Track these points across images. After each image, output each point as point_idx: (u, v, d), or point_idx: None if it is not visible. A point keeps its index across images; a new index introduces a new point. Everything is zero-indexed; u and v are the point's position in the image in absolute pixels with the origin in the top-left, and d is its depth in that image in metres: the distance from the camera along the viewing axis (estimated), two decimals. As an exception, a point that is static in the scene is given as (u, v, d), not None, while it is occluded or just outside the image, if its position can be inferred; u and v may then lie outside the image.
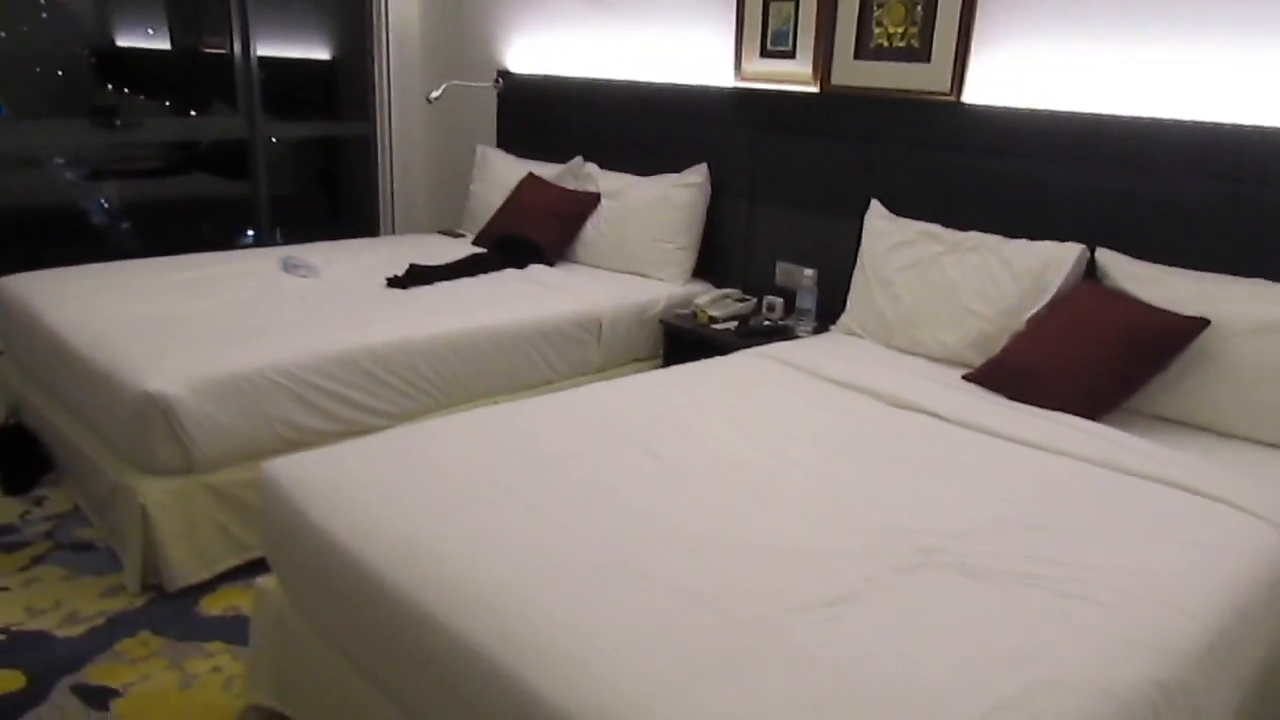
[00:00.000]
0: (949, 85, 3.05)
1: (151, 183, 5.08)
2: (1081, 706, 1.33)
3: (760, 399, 2.46)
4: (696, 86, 3.82)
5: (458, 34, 4.93)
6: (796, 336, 3.26)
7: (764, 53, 3.58)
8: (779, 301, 3.48)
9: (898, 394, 2.49)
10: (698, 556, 1.66)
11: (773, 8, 3.51)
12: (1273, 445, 2.31)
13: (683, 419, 2.30)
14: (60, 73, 4.68)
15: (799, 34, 3.45)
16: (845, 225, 3.33)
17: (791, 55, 3.48)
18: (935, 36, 3.06)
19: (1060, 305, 2.61)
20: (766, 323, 3.41)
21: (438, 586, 1.57)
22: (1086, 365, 2.44)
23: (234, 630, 2.42)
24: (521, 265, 3.80)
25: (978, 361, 2.71)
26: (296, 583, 1.96)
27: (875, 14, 3.21)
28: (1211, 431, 2.39)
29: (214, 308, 3.09)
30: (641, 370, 3.25)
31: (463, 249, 4.04)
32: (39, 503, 3.02)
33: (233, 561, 2.67)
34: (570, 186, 4.14)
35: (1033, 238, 2.80)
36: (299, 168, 5.58)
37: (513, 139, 4.67)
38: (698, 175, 3.76)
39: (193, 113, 5.05)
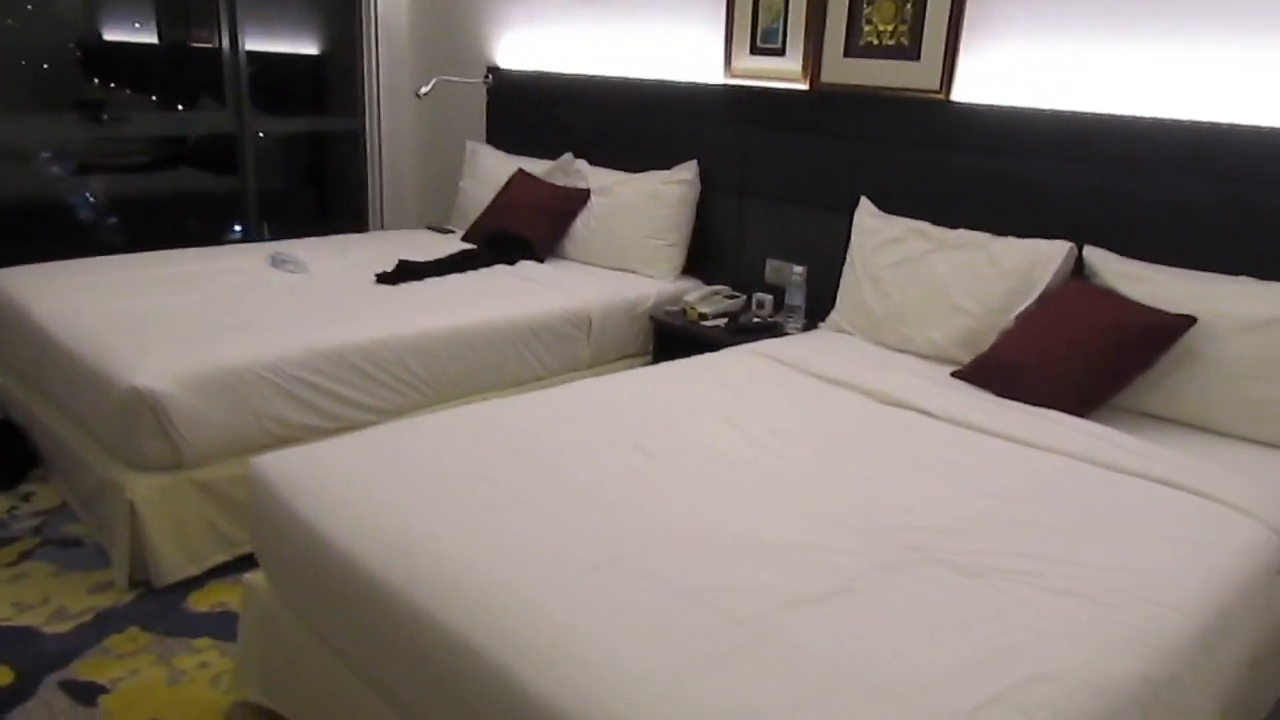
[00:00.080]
0: (938, 83, 3.06)
1: (138, 177, 5.05)
2: (1069, 701, 1.34)
3: (750, 396, 2.46)
4: (686, 83, 3.82)
5: (447, 29, 4.92)
6: (786, 333, 3.27)
7: (754, 50, 3.58)
8: (768, 298, 3.49)
9: (887, 391, 2.49)
10: (690, 553, 1.66)
11: (762, 5, 3.51)
12: (1259, 442, 2.33)
13: (673, 416, 2.30)
14: (46, 66, 4.64)
15: (789, 31, 3.45)
16: (835, 222, 3.34)
17: (781, 52, 3.49)
18: (925, 34, 3.07)
19: (1048, 303, 2.62)
20: (756, 319, 3.42)
21: (428, 582, 1.57)
22: (1074, 362, 2.45)
23: (222, 626, 2.41)
24: (511, 261, 3.79)
25: (966, 358, 2.72)
26: (285, 579, 1.96)
27: (865, 12, 3.22)
28: (1198, 428, 2.41)
29: (202, 303, 3.08)
30: (631, 367, 3.25)
31: (452, 245, 4.03)
32: (26, 498, 3.01)
33: (221, 558, 2.66)
34: (560, 183, 4.14)
35: (1021, 235, 2.81)
36: (287, 163, 5.56)
37: (502, 135, 4.66)
38: (687, 172, 3.76)
39: (180, 107, 5.02)
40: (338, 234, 4.34)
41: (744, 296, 3.57)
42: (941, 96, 3.06)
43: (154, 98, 5.00)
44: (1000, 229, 2.87)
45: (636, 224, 3.81)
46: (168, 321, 2.86)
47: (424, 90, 4.47)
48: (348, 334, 2.87)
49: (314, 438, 2.55)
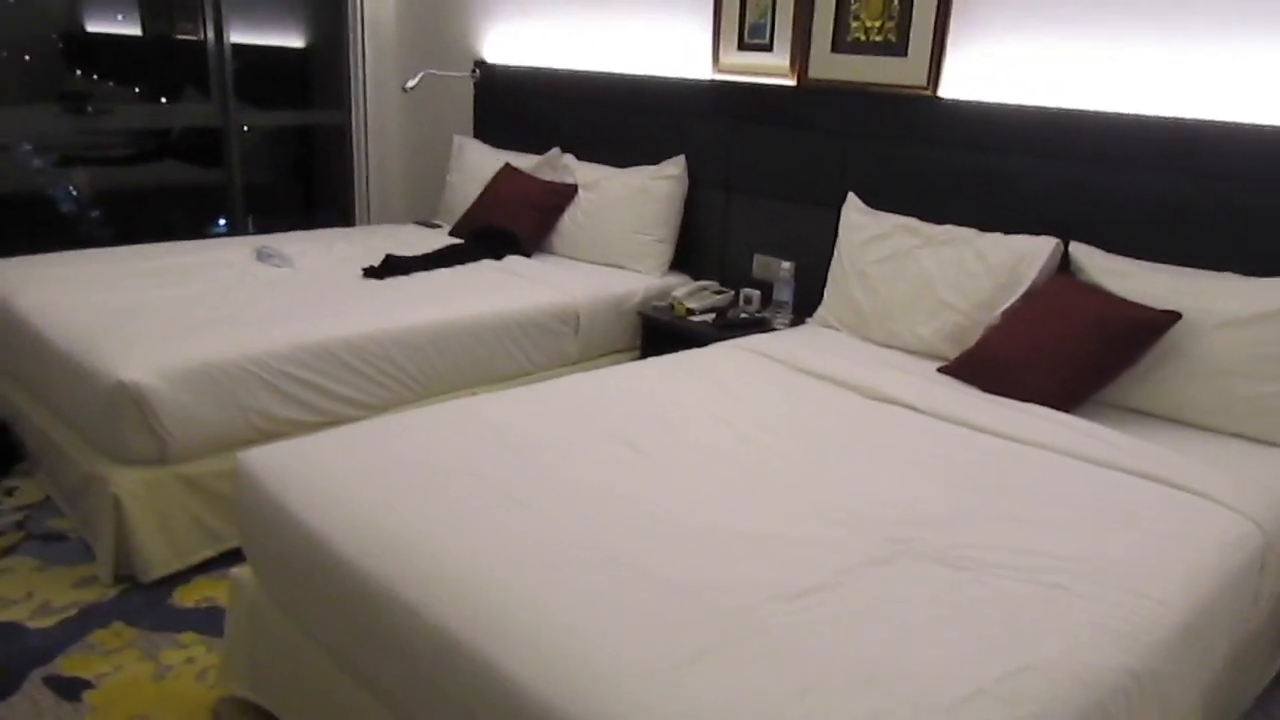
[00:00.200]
0: (925, 80, 3.06)
1: (122, 170, 5.02)
2: (1054, 693, 1.35)
3: (738, 391, 2.47)
4: (674, 79, 3.82)
5: (434, 23, 4.90)
6: (773, 329, 3.27)
7: (741, 45, 3.58)
8: (756, 294, 3.49)
9: (874, 386, 2.50)
10: (679, 547, 1.67)
11: (750, 0, 3.51)
12: (1243, 437, 2.35)
13: (661, 411, 2.30)
14: (28, 58, 4.61)
15: (776, 27, 3.46)
16: (822, 218, 3.35)
17: (769, 48, 3.49)
18: (912, 31, 3.08)
19: (1034, 299, 2.64)
20: (744, 315, 3.42)
21: (416, 577, 1.57)
22: (1060, 358, 2.47)
23: (208, 621, 2.40)
24: (498, 256, 3.79)
25: (953, 354, 2.74)
26: (272, 573, 1.95)
27: (853, 8, 3.22)
28: (1183, 423, 2.43)
29: (188, 297, 3.06)
30: (619, 362, 3.24)
31: (439, 240, 4.02)
32: (10, 493, 2.98)
33: (207, 552, 2.65)
34: (548, 178, 4.13)
35: (1008, 231, 2.83)
36: (273, 156, 5.53)
37: (490, 129, 4.65)
38: (675, 167, 3.76)
39: (164, 100, 4.99)
40: (324, 228, 4.33)
41: (732, 292, 3.57)
42: (929, 93, 3.07)
43: (137, 90, 4.97)
44: (987, 225, 2.88)
45: (624, 219, 3.81)
46: (153, 315, 2.84)
47: (411, 84, 4.45)
48: (335, 328, 2.86)
49: (300, 433, 2.54)
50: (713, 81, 3.69)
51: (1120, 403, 2.50)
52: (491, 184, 4.20)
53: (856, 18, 3.22)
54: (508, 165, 4.22)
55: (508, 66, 4.55)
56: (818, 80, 3.37)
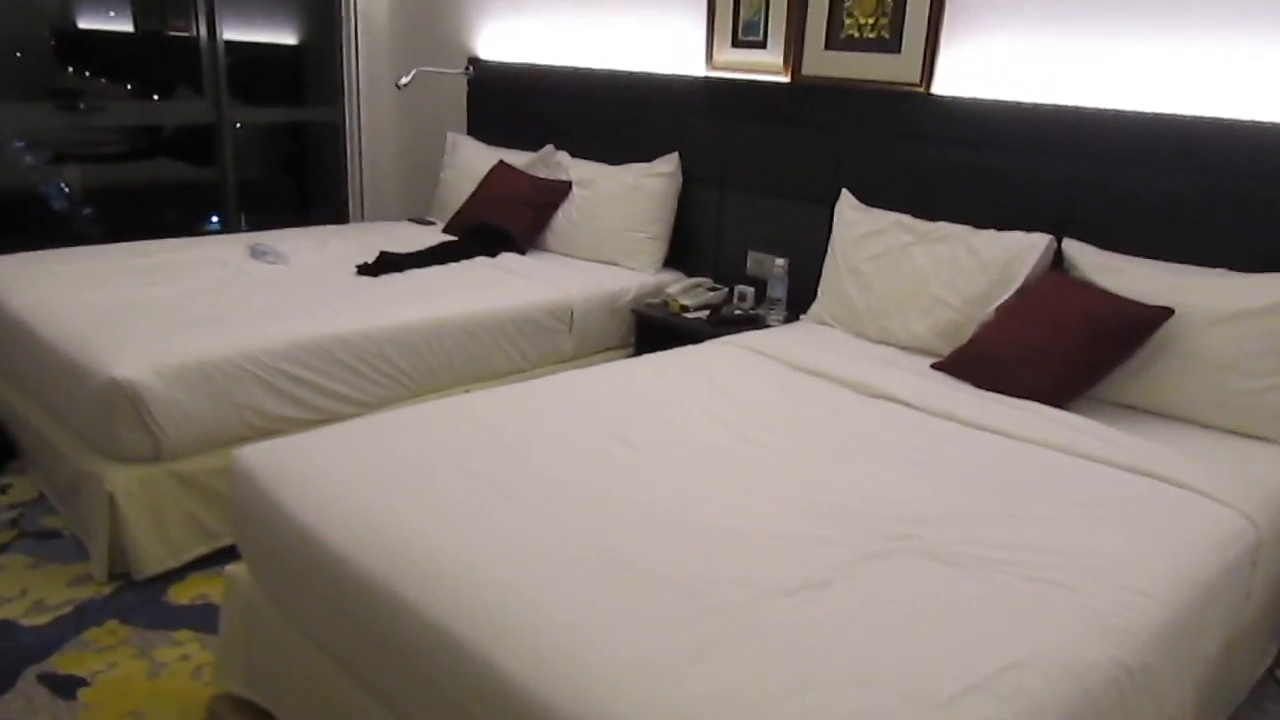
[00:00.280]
0: (919, 76, 3.07)
1: (115, 167, 5.00)
2: (1047, 687, 1.36)
3: (732, 388, 2.47)
4: (667, 76, 3.82)
5: (427, 20, 4.90)
6: (768, 325, 3.28)
7: (735, 43, 3.58)
8: (750, 291, 3.50)
9: (868, 382, 2.51)
10: (674, 544, 1.67)
11: (744, -3, 3.52)
12: (1235, 432, 2.36)
13: (655, 407, 2.31)
14: (19, 55, 4.59)
15: (770, 24, 3.46)
16: (816, 215, 3.35)
17: (762, 45, 3.49)
18: (905, 28, 3.08)
19: (1027, 295, 2.64)
20: (738, 312, 3.43)
21: (412, 574, 1.57)
22: (1053, 354, 2.48)
23: (203, 619, 2.40)
24: (493, 253, 3.79)
25: (946, 350, 2.74)
26: (267, 571, 1.95)
27: (846, 5, 3.23)
28: (1175, 419, 2.44)
29: (181, 294, 3.06)
30: (613, 359, 3.24)
31: (433, 237, 4.02)
32: (3, 490, 2.98)
33: (201, 550, 2.65)
34: (541, 175, 4.13)
35: (1001, 228, 2.83)
36: (266, 153, 5.52)
37: (483, 127, 4.65)
38: (669, 164, 3.77)
39: (156, 97, 4.97)
40: (317, 225, 4.32)
41: (726, 289, 3.58)
42: (922, 89, 3.07)
43: (130, 87, 4.95)
44: (980, 222, 2.89)
45: (618, 216, 3.81)
46: (147, 312, 2.84)
47: (404, 81, 4.44)
48: (329, 326, 2.86)
49: (295, 430, 2.54)
50: (706, 78, 3.69)
51: (1113, 399, 2.51)
52: (485, 181, 4.19)
53: (850, 15, 3.23)
54: (501, 162, 4.22)
55: (501, 63, 4.54)
56: (811, 77, 3.37)
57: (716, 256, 3.76)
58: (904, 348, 2.90)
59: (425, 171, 4.93)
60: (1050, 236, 2.73)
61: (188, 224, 4.91)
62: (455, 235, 4.03)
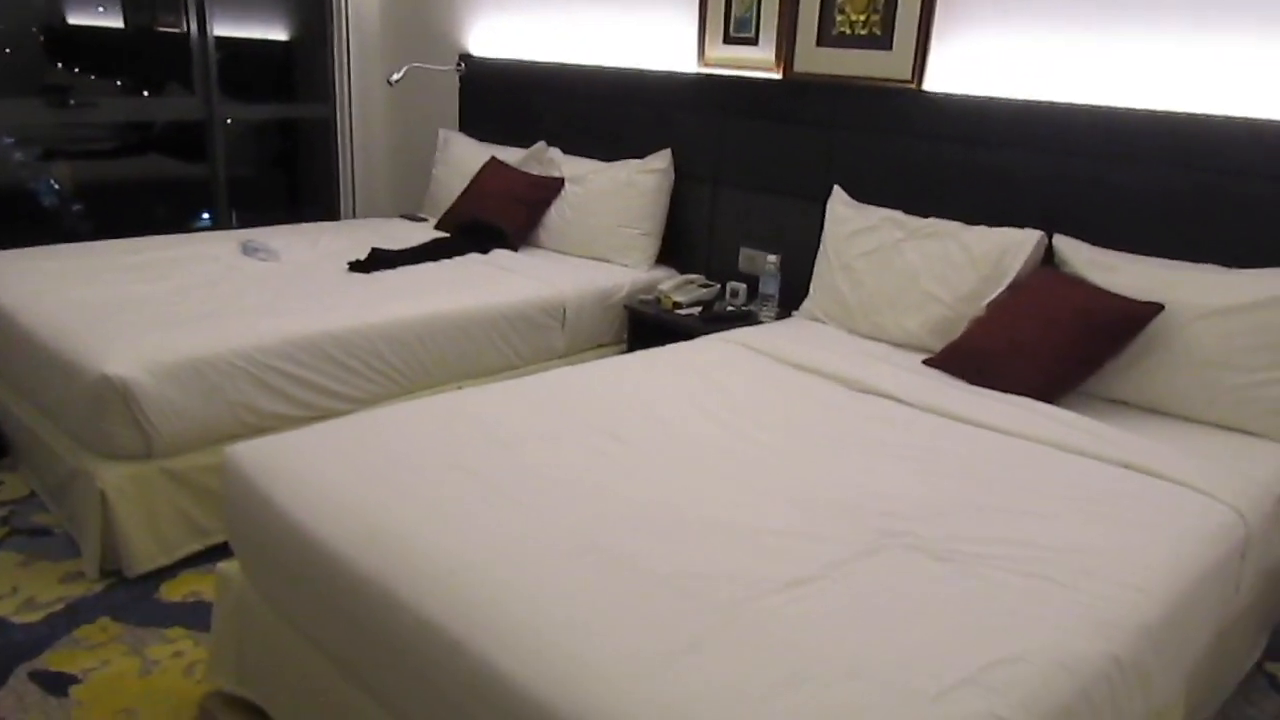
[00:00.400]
0: (910, 73, 3.07)
1: (105, 164, 4.98)
2: (1039, 681, 1.36)
3: (724, 384, 2.48)
4: (660, 72, 3.82)
5: (419, 15, 4.89)
6: (760, 322, 3.28)
7: (727, 39, 3.58)
8: (742, 287, 3.50)
9: (860, 378, 2.51)
10: (667, 540, 1.67)
11: (736, -6, 3.52)
12: (1225, 427, 2.38)
13: (647, 404, 2.31)
14: (8, 50, 4.57)
15: (762, 21, 3.46)
16: (808, 211, 3.36)
17: (754, 42, 3.50)
18: (897, 24, 3.09)
19: (1019, 291, 2.65)
20: (730, 308, 3.43)
21: (404, 570, 1.57)
22: (1044, 350, 2.48)
23: (195, 616, 2.40)
24: (485, 250, 3.78)
25: (938, 346, 2.75)
26: (260, 568, 1.95)
27: (837, 1, 3.23)
28: (1166, 414, 2.45)
29: (173, 291, 3.05)
30: (606, 355, 3.25)
31: (425, 233, 4.01)
32: (-7, 489, 2.97)
33: (193, 547, 2.64)
34: (534, 171, 4.12)
35: (992, 224, 2.84)
36: (257, 150, 5.50)
37: (475, 123, 4.64)
38: (661, 161, 3.77)
39: (146, 93, 4.95)
40: (309, 222, 4.31)
41: (718, 285, 3.58)
42: (913, 86, 3.08)
43: (120, 83, 4.93)
44: (972, 218, 2.89)
45: (610, 213, 3.81)
46: (138, 309, 2.83)
47: (396, 77, 4.43)
48: (321, 322, 2.85)
49: (287, 427, 2.52)
50: (699, 75, 3.69)
51: (1104, 394, 2.52)
52: (477, 178, 4.19)
53: (841, 11, 3.23)
54: (493, 159, 4.22)
55: (493, 60, 4.54)
56: (803, 74, 3.37)
57: (709, 253, 3.77)
58: (896, 344, 2.90)
59: (417, 168, 4.92)
60: (1041, 233, 2.74)
61: (178, 220, 4.90)
62: (447, 232, 4.02)
